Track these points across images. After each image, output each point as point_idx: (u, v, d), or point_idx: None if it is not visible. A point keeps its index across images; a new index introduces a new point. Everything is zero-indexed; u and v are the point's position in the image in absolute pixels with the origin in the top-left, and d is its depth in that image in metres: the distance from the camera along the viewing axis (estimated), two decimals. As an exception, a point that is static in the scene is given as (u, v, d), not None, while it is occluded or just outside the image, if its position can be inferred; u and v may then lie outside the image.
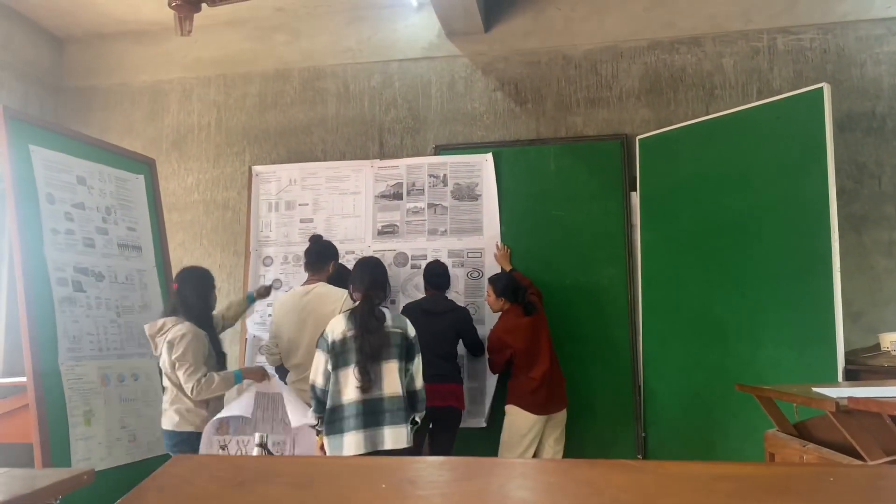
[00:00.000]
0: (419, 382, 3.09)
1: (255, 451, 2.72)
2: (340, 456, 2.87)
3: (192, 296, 3.26)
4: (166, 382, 3.18)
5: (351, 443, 2.86)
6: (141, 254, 3.96)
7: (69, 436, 3.22)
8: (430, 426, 3.72)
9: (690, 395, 3.90)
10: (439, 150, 4.72)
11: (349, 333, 2.94)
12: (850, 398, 2.05)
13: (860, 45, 4.27)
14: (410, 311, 3.83)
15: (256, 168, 4.83)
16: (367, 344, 2.91)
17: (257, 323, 4.60)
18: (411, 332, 3.08)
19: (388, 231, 4.59)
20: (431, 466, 1.13)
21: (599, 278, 4.33)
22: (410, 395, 3.04)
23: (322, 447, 2.96)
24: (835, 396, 2.17)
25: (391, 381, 2.94)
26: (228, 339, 4.83)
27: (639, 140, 4.35)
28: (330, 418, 2.91)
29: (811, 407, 2.32)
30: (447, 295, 4.12)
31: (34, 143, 3.42)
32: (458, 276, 4.41)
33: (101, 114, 5.30)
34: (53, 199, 3.46)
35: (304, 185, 4.73)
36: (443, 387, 3.68)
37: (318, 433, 2.99)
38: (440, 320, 3.86)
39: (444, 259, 4.44)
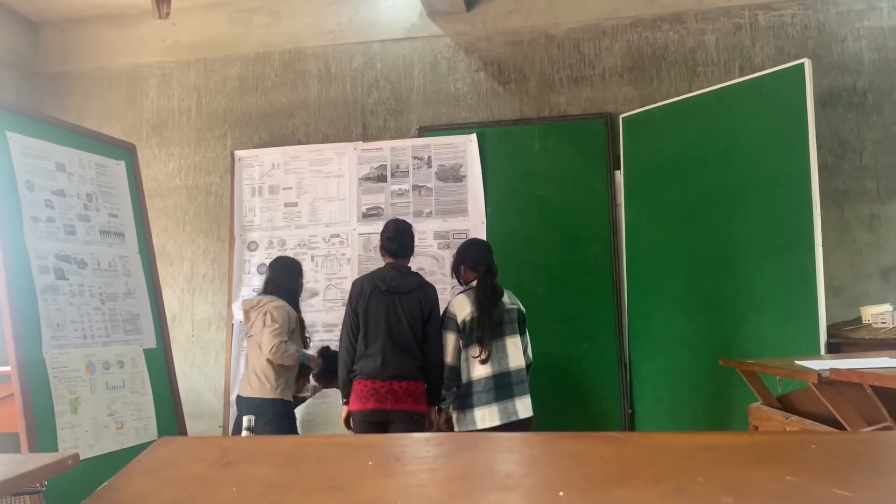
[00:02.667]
0: (530, 355, 3.36)
1: (244, 435, 2.72)
2: (327, 435, 2.91)
3: (284, 278, 3.71)
4: (251, 353, 3.61)
5: (485, 416, 3.07)
6: (124, 240, 3.92)
7: (55, 424, 3.20)
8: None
9: (676, 370, 3.93)
10: (423, 131, 4.70)
11: (475, 314, 3.16)
12: (832, 370, 2.08)
13: (841, 20, 4.28)
14: (362, 289, 3.25)
15: (239, 152, 4.79)
16: (490, 320, 3.13)
17: (243, 308, 4.59)
18: (522, 307, 3.34)
19: (372, 214, 4.58)
20: (417, 443, 1.13)
21: (585, 257, 4.34)
22: (527, 367, 3.27)
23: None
24: (817, 369, 2.20)
25: (516, 355, 3.17)
26: (215, 325, 4.84)
27: (622, 118, 4.35)
28: (461, 393, 3.13)
29: (794, 379, 2.36)
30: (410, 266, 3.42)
31: (11, 129, 3.37)
32: (444, 257, 4.41)
33: (78, 99, 5.23)
34: (33, 186, 3.41)
35: (287, 169, 4.70)
36: (402, 385, 3.14)
37: (440, 410, 3.23)
38: (405, 301, 3.22)
39: (430, 241, 4.43)
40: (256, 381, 3.52)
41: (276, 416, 3.45)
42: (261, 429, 3.04)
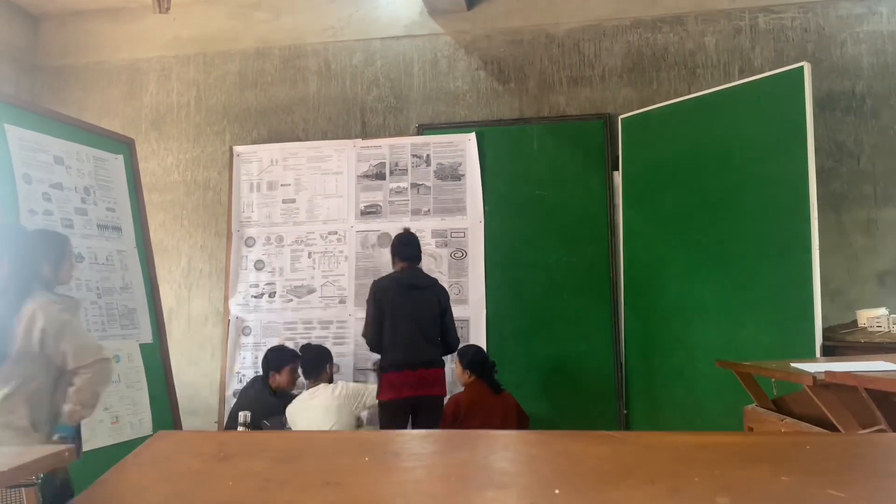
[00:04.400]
0: None
1: (240, 430, 2.72)
2: (324, 431, 2.91)
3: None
4: None
5: None
6: (121, 234, 3.92)
7: (51, 418, 3.19)
8: (412, 417, 3.54)
9: (671, 372, 3.94)
10: (422, 129, 4.70)
11: None
12: (827, 372, 2.08)
13: (840, 23, 4.29)
14: (386, 286, 3.62)
15: (237, 148, 4.79)
16: None
17: (240, 304, 4.59)
18: None
19: (371, 211, 4.58)
20: (415, 439, 1.13)
21: (582, 257, 4.35)
22: None
23: None
24: (812, 371, 2.20)
25: None
26: (211, 321, 4.83)
27: (621, 119, 4.36)
28: None
29: (789, 382, 2.36)
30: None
31: (10, 122, 3.36)
32: (441, 255, 4.42)
33: (78, 93, 5.22)
34: (30, 179, 3.41)
35: (285, 166, 4.70)
36: (430, 372, 3.54)
37: None
38: (425, 295, 3.63)
39: (428, 239, 4.43)
40: None
41: None
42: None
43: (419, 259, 3.77)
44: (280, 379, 3.91)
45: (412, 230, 3.94)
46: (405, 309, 3.54)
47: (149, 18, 4.99)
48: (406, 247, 3.72)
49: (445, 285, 4.18)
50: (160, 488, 0.96)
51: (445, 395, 3.64)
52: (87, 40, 5.25)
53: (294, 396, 3.77)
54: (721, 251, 3.76)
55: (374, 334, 3.59)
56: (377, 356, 3.72)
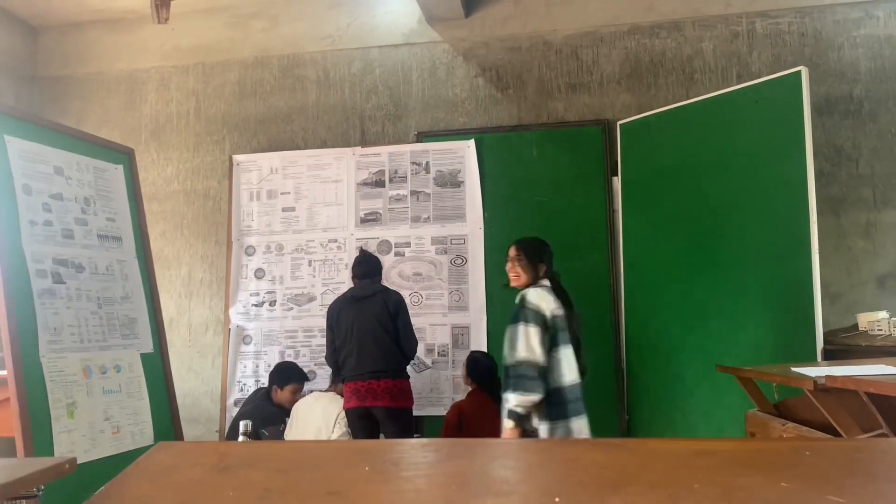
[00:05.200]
0: None
1: (241, 440, 2.71)
2: (324, 441, 2.89)
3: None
4: None
5: (582, 428, 2.70)
6: (121, 244, 3.92)
7: (52, 428, 3.19)
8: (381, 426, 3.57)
9: (672, 377, 3.94)
10: (421, 136, 4.71)
11: (559, 311, 2.76)
12: (827, 377, 2.08)
13: (838, 28, 4.30)
14: (335, 305, 3.71)
15: (237, 157, 4.80)
16: (576, 324, 2.80)
17: (240, 313, 4.59)
18: None
19: (370, 219, 4.59)
20: (414, 448, 1.13)
21: (582, 263, 4.34)
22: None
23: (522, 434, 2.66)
24: (813, 375, 2.20)
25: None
26: (212, 330, 4.83)
27: (620, 125, 4.36)
28: (550, 401, 2.66)
29: (790, 386, 2.36)
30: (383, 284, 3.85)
31: (9, 133, 3.37)
32: (441, 262, 4.42)
33: (77, 103, 5.24)
34: (30, 189, 3.42)
35: (285, 174, 4.71)
36: (380, 384, 3.49)
37: (517, 423, 2.65)
38: (369, 304, 3.59)
39: (428, 246, 4.44)
40: None
41: None
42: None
43: (371, 275, 3.73)
44: (282, 395, 3.96)
45: (418, 242, 4.14)
46: (349, 322, 3.59)
47: (147, 29, 5.02)
48: (358, 265, 3.78)
49: (445, 292, 4.19)
50: (161, 499, 0.96)
51: (409, 405, 3.57)
52: (87, 51, 5.27)
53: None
54: (721, 256, 3.76)
55: (329, 353, 3.70)
56: None
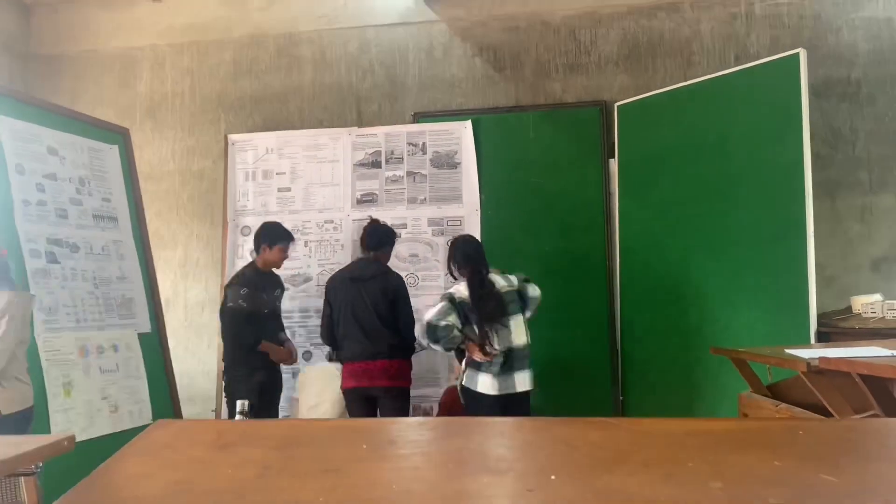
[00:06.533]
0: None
1: (238, 419, 2.73)
2: (321, 419, 2.94)
3: None
4: None
5: (486, 383, 3.25)
6: (117, 224, 3.91)
7: (48, 407, 3.20)
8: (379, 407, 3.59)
9: (667, 358, 3.96)
10: (418, 117, 4.69)
11: (468, 299, 3.29)
12: (821, 358, 2.10)
13: (836, 10, 4.28)
14: (334, 282, 3.68)
15: (232, 137, 4.77)
16: (487, 312, 3.27)
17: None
18: (528, 286, 3.44)
19: (367, 200, 4.57)
20: (411, 427, 1.14)
21: (578, 245, 4.35)
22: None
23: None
24: (806, 357, 2.22)
25: (518, 332, 3.31)
26: (208, 310, 4.83)
27: (617, 107, 4.35)
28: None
29: (784, 368, 2.38)
30: (389, 258, 3.77)
31: (1, 112, 3.35)
32: (438, 244, 4.42)
33: (70, 82, 5.19)
34: (24, 169, 3.40)
35: (281, 154, 4.69)
36: (376, 364, 3.51)
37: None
38: (367, 287, 3.56)
39: (424, 228, 4.44)
40: None
41: None
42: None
43: (380, 246, 3.69)
44: (270, 255, 3.76)
45: (415, 224, 4.06)
46: (347, 302, 3.57)
47: (142, 6, 4.97)
48: (368, 236, 3.70)
49: (441, 273, 4.18)
50: (160, 476, 0.97)
51: (407, 385, 3.61)
52: (80, 28, 5.21)
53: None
54: (716, 238, 3.77)
55: (325, 328, 3.68)
56: None
